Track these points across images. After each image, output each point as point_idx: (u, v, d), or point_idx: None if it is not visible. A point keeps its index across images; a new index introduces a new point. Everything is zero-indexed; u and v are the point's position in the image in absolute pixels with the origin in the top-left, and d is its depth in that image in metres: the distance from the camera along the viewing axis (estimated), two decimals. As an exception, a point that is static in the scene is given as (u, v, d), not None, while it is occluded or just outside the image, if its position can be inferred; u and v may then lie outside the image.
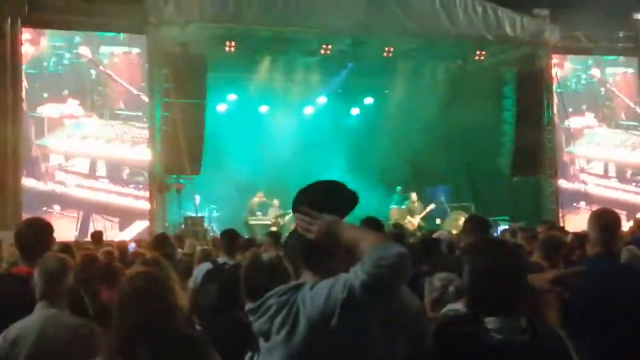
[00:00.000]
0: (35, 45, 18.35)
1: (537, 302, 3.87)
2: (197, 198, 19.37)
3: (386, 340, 3.33)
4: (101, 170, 18.73)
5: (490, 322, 3.29)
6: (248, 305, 3.44)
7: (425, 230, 18.94)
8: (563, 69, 22.67)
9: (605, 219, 5.21)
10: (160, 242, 9.39)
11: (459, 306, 4.92)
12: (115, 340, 3.77)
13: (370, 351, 3.27)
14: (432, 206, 22.88)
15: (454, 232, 16.00)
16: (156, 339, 3.74)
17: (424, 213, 22.80)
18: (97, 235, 14.59)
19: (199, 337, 4.02)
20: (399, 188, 23.63)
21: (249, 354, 4.78)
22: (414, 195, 23.21)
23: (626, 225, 18.25)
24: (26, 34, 18.17)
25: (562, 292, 3.89)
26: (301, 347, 3.15)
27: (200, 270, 8.44)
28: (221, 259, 8.65)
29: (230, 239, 9.03)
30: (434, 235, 9.05)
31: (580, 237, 7.31)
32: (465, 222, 7.19)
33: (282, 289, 3.28)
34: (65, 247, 6.87)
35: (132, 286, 3.89)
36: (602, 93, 23.21)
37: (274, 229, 18.94)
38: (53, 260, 4.91)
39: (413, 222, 22.34)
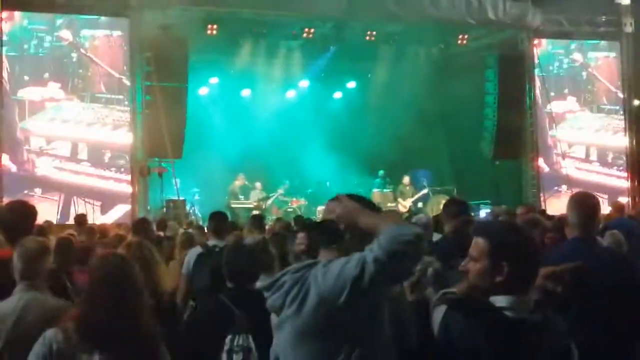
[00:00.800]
0: (15, 28, 18.20)
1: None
2: (179, 182, 19.32)
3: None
4: (82, 153, 18.65)
5: (499, 300, 3.32)
6: (260, 283, 3.50)
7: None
8: (545, 52, 22.68)
9: (584, 203, 5.24)
10: (141, 227, 9.38)
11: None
12: (82, 320, 3.81)
13: (379, 332, 3.31)
14: (424, 191, 22.95)
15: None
16: (121, 324, 3.78)
17: (415, 197, 22.86)
18: (81, 219, 14.57)
19: (156, 336, 4.05)
20: (381, 172, 23.69)
21: (230, 336, 4.82)
22: (406, 179, 23.26)
23: (607, 209, 18.44)
24: (6, 16, 18.01)
25: (555, 288, 3.92)
26: (309, 322, 3.21)
27: (192, 254, 8.46)
28: (211, 242, 8.65)
29: (219, 221, 9.02)
30: (413, 220, 9.01)
31: (558, 221, 7.33)
32: (445, 205, 7.23)
33: (296, 267, 3.35)
34: (41, 229, 6.87)
35: (101, 270, 3.92)
36: (584, 77, 23.25)
37: (256, 212, 18.94)
38: (32, 242, 4.95)
39: (404, 204, 22.39)
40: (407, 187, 23.19)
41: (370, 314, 3.24)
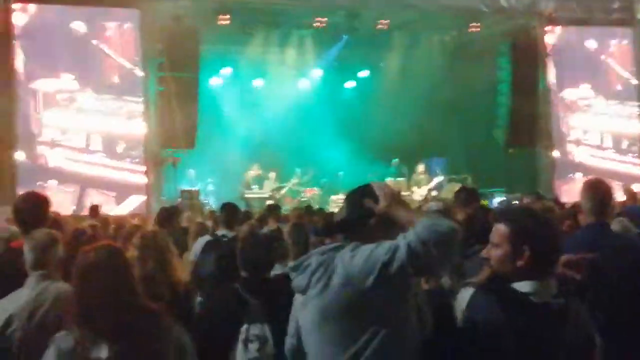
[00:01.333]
0: (28, 20, 18.25)
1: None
2: (193, 172, 19.35)
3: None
4: (96, 144, 18.69)
5: (522, 286, 3.34)
6: (288, 264, 3.55)
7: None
8: (558, 39, 22.57)
9: (597, 190, 5.24)
10: (166, 216, 9.43)
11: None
12: (76, 312, 3.83)
13: (404, 317, 3.33)
14: (440, 178, 22.89)
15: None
16: (116, 312, 3.79)
17: (431, 184, 22.81)
18: (95, 209, 14.65)
19: (160, 311, 4.04)
20: (395, 160, 23.66)
21: (245, 325, 4.83)
22: (420, 167, 23.18)
23: (622, 197, 18.38)
24: (19, 8, 18.06)
25: (575, 275, 3.93)
26: (333, 302, 3.25)
27: (199, 242, 8.49)
28: (220, 232, 8.67)
29: (231, 212, 9.05)
30: (423, 209, 9.01)
31: (572, 208, 7.33)
32: (457, 193, 7.26)
33: (323, 249, 3.40)
34: (54, 220, 6.90)
35: (85, 262, 3.93)
36: (598, 64, 23.13)
37: (270, 202, 18.97)
38: (41, 233, 5.00)
39: (420, 192, 22.35)
40: (422, 175, 23.13)
41: (397, 298, 3.26)
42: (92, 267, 3.89)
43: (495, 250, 3.45)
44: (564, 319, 3.30)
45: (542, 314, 3.28)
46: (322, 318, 3.28)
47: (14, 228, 5.90)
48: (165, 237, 5.86)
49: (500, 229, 3.46)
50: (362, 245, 3.28)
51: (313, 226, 9.18)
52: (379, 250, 3.17)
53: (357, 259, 3.21)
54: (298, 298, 3.49)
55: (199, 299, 6.01)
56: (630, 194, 14.04)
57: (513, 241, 3.38)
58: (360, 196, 3.45)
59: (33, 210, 5.65)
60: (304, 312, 3.38)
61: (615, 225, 6.57)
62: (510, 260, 3.39)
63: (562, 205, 10.60)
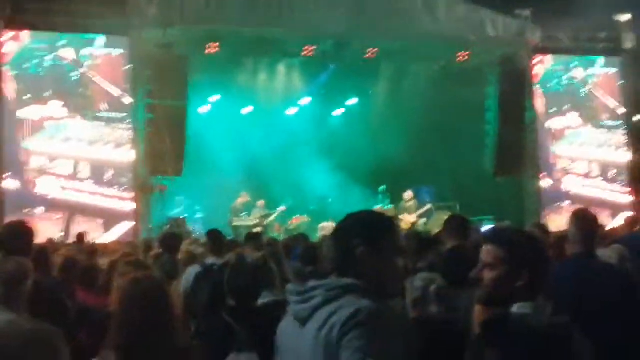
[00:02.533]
0: (17, 47, 18.27)
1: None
2: (181, 200, 19.33)
3: None
4: (85, 171, 18.66)
5: (522, 307, 3.33)
6: (290, 287, 3.39)
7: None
8: (545, 69, 22.72)
9: (584, 220, 5.28)
10: (172, 243, 9.48)
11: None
12: (115, 344, 3.80)
13: None
14: (429, 206, 22.88)
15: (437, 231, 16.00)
16: (155, 346, 3.77)
17: (420, 212, 22.80)
18: (81, 237, 14.62)
19: (191, 349, 4.03)
20: (382, 188, 23.67)
21: (233, 354, 4.82)
22: (408, 194, 23.15)
23: (610, 224, 18.45)
24: (8, 36, 18.09)
25: None
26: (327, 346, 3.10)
27: (190, 273, 8.39)
28: (209, 260, 8.61)
29: (216, 238, 9.00)
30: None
31: (558, 238, 7.33)
32: (447, 222, 7.24)
33: (330, 284, 3.20)
34: (43, 249, 6.85)
35: (133, 293, 3.90)
36: (584, 93, 23.29)
37: (257, 229, 18.94)
38: (12, 264, 4.89)
39: (409, 219, 22.33)
40: (410, 202, 23.12)
41: None
42: (141, 298, 3.87)
43: (490, 272, 3.44)
44: (570, 335, 3.30)
45: (550, 333, 3.27)
46: (318, 354, 3.20)
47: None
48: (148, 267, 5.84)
49: (493, 251, 3.44)
50: (358, 327, 3.03)
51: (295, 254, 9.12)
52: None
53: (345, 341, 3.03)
54: (295, 326, 3.38)
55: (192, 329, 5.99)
56: (629, 221, 13.93)
57: (511, 262, 3.38)
58: (349, 237, 3.31)
59: (16, 240, 5.61)
60: (302, 340, 3.29)
61: (612, 253, 6.57)
62: (507, 282, 3.38)
63: (548, 234, 10.58)
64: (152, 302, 3.86)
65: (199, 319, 6.32)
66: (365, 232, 3.26)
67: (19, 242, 5.58)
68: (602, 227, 5.58)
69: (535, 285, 3.36)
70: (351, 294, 3.14)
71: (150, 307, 3.84)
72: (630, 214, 19.34)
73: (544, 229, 10.62)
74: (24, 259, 5.10)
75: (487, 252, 3.46)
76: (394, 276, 3.32)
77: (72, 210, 18.34)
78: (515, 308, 3.35)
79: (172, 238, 10.19)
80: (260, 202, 22.33)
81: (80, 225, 17.87)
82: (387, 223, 3.35)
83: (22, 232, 5.76)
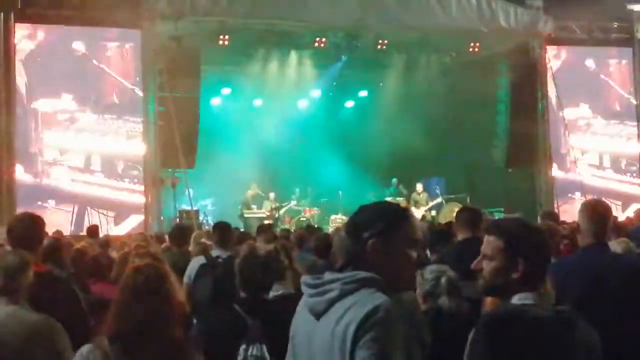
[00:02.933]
0: (29, 40, 18.31)
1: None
2: (192, 192, 19.35)
3: None
4: (96, 164, 18.72)
5: (523, 298, 3.31)
6: (305, 278, 3.34)
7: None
8: (557, 60, 22.61)
9: (595, 210, 5.23)
10: (179, 236, 9.50)
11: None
12: (113, 333, 3.80)
13: None
14: (439, 199, 22.87)
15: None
16: (153, 337, 3.78)
17: (429, 205, 22.79)
18: (93, 230, 14.62)
19: (187, 340, 4.03)
20: (394, 180, 23.68)
21: (244, 345, 4.81)
22: (419, 186, 23.15)
23: (622, 216, 18.37)
24: (20, 29, 18.12)
25: None
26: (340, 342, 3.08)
27: (194, 264, 8.37)
28: (215, 252, 8.60)
29: (223, 231, 8.96)
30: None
31: (570, 229, 7.30)
32: (458, 213, 7.21)
33: (347, 277, 3.14)
34: (54, 242, 6.85)
35: (134, 282, 3.90)
36: (597, 84, 23.17)
37: (268, 221, 18.97)
38: (12, 256, 4.89)
39: (419, 212, 22.34)
40: (421, 195, 23.14)
41: None
42: (142, 287, 3.87)
43: (488, 262, 3.42)
44: (573, 325, 3.29)
45: (552, 323, 3.25)
46: (330, 350, 3.17)
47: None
48: (162, 259, 5.85)
49: (493, 242, 3.42)
50: (381, 322, 2.99)
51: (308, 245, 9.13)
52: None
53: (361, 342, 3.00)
54: (311, 318, 3.34)
55: (194, 321, 5.99)
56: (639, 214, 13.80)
57: (507, 254, 3.36)
58: (361, 230, 3.23)
59: (27, 231, 5.61)
60: (314, 334, 3.26)
61: (617, 247, 6.54)
62: (504, 273, 3.36)
63: (559, 223, 10.53)
64: (152, 292, 3.85)
65: (199, 310, 6.32)
66: (377, 224, 3.20)
67: (29, 233, 5.58)
68: (614, 218, 5.50)
69: (532, 276, 3.33)
70: (367, 288, 3.10)
71: (149, 296, 3.84)
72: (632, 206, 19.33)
73: (554, 217, 10.59)
74: (24, 251, 5.10)
75: (487, 243, 3.45)
76: (408, 268, 3.27)
77: (83, 203, 18.39)
78: (516, 299, 3.33)
79: (182, 230, 10.21)
80: (271, 194, 22.37)
81: (91, 218, 17.93)
82: (401, 214, 3.30)
83: (32, 223, 5.76)
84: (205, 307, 6.44)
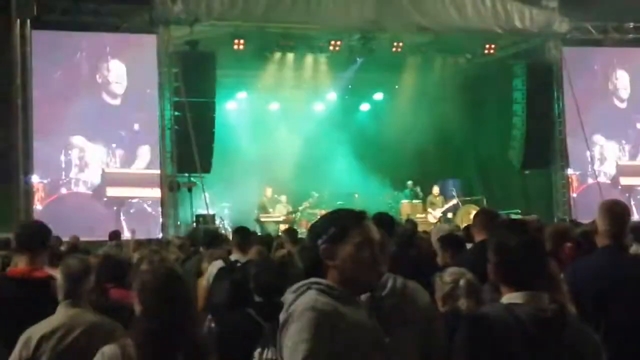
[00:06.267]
0: (45, 47, 18.38)
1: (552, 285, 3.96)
2: (208, 196, 19.38)
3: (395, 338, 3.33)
4: (112, 167, 18.82)
5: (514, 297, 3.37)
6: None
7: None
8: (573, 60, 22.49)
9: (614, 211, 5.17)
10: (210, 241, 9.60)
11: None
12: (139, 335, 3.87)
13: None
14: (454, 201, 22.81)
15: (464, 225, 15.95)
16: (173, 338, 3.84)
17: (445, 207, 22.73)
18: (114, 234, 14.65)
19: (206, 340, 4.11)
20: (409, 182, 23.63)
21: (259, 349, 4.83)
22: (435, 189, 23.09)
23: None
24: (36, 36, 18.19)
25: None
26: None
27: (213, 268, 8.42)
28: (234, 256, 8.62)
29: (243, 235, 8.99)
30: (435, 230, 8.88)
31: (585, 232, 7.22)
32: (475, 216, 7.19)
33: (298, 284, 3.32)
34: (74, 246, 6.92)
35: (152, 284, 3.98)
36: (613, 84, 23.08)
37: (284, 226, 18.98)
38: (75, 261, 5.02)
39: (434, 215, 22.27)
40: (437, 198, 23.07)
41: None
42: (156, 291, 3.97)
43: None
44: (559, 325, 3.30)
45: (534, 323, 3.28)
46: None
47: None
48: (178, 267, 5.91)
49: (491, 243, 3.59)
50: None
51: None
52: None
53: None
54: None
55: (212, 325, 6.00)
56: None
57: (489, 254, 3.50)
58: (315, 237, 3.38)
59: (33, 238, 5.66)
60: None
61: (635, 248, 6.46)
62: (490, 272, 3.52)
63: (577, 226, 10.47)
64: (170, 293, 3.96)
65: (216, 314, 6.35)
66: (329, 230, 3.32)
67: (35, 240, 5.63)
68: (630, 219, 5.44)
69: (501, 276, 3.46)
70: (311, 291, 3.24)
71: (169, 297, 3.94)
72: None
73: (574, 221, 10.53)
74: (86, 255, 5.22)
75: None
76: (363, 269, 3.29)
77: (103, 206, 18.50)
78: (505, 299, 3.41)
79: (209, 235, 10.33)
80: (283, 197, 22.38)
81: (109, 223, 17.97)
82: (353, 218, 3.39)
83: (38, 230, 5.82)
84: (223, 310, 6.45)
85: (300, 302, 3.19)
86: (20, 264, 5.54)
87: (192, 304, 4.06)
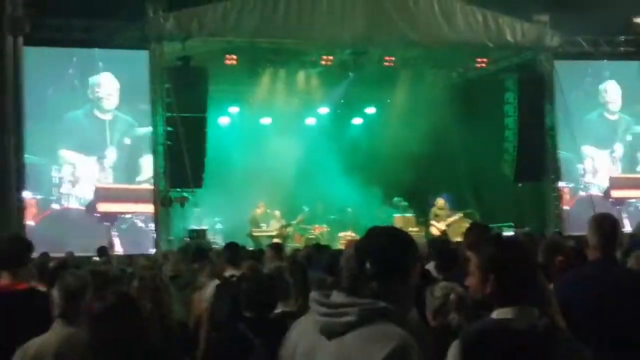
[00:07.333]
0: (37, 63, 18.39)
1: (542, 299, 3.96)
2: (200, 211, 19.37)
3: None
4: (105, 182, 18.82)
5: (503, 312, 3.36)
6: (315, 295, 3.35)
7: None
8: (564, 73, 22.53)
9: (604, 225, 5.19)
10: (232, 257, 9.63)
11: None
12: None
13: None
14: (460, 214, 22.69)
15: (458, 239, 15.92)
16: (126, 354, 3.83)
17: (450, 220, 22.60)
18: (102, 250, 14.65)
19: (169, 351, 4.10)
20: (396, 199, 23.54)
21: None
22: (440, 201, 22.96)
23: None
24: (29, 53, 18.20)
25: None
26: None
27: (211, 287, 8.42)
28: (228, 273, 8.62)
29: (234, 251, 9.02)
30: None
31: (576, 244, 7.23)
32: (467, 230, 7.18)
33: (367, 305, 3.18)
34: (63, 262, 6.89)
35: (99, 310, 3.98)
36: (604, 97, 23.15)
37: (277, 240, 18.94)
38: (71, 277, 4.94)
39: (438, 227, 22.21)
40: (442, 210, 22.84)
41: None
42: (105, 314, 3.96)
43: (470, 278, 3.54)
44: (551, 339, 3.30)
45: (527, 337, 3.29)
46: None
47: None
48: (165, 280, 5.90)
49: (472, 258, 3.56)
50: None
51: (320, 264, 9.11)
52: None
53: None
54: (312, 331, 3.31)
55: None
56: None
57: (482, 269, 3.46)
58: (388, 262, 3.24)
59: (13, 252, 5.61)
60: (319, 351, 3.27)
61: (631, 260, 6.45)
62: (480, 288, 3.47)
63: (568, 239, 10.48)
64: (119, 318, 3.98)
65: (218, 330, 6.34)
66: (402, 259, 3.25)
67: (14, 257, 5.57)
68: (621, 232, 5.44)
69: (506, 291, 3.40)
70: (383, 318, 3.13)
71: (117, 324, 3.97)
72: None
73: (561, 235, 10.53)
74: (83, 272, 5.17)
75: (472, 259, 3.55)
76: (413, 297, 3.35)
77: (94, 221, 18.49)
78: (495, 314, 3.40)
79: (230, 251, 10.31)
80: (277, 212, 22.34)
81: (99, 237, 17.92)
82: (415, 249, 3.34)
83: (18, 244, 5.76)
84: (223, 326, 6.47)
85: None
86: (2, 281, 5.47)
87: (140, 327, 4.05)
